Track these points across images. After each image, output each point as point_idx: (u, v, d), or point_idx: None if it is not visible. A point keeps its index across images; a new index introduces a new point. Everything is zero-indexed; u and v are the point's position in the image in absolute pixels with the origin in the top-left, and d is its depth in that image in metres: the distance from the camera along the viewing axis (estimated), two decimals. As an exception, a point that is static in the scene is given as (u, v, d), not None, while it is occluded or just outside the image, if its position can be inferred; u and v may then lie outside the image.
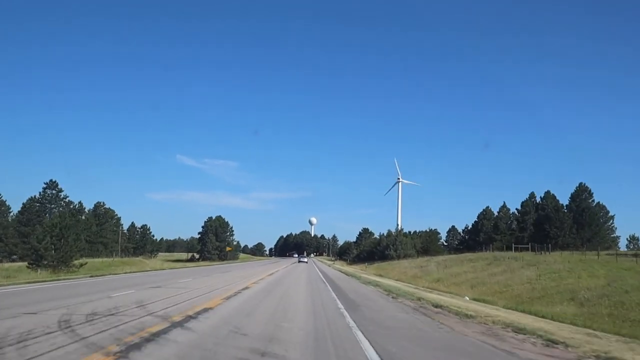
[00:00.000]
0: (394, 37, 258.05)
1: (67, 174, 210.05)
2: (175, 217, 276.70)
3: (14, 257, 66.26)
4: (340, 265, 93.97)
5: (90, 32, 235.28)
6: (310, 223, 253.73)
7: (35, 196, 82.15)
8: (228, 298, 14.74)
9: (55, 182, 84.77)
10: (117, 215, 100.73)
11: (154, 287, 18.87)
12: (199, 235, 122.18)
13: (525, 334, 9.96)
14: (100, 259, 53.70)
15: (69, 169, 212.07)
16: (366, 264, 79.13)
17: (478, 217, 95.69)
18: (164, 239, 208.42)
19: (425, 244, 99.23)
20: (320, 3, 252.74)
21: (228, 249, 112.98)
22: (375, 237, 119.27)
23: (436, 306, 16.01)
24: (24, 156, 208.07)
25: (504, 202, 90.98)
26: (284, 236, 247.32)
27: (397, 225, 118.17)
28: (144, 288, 18.15)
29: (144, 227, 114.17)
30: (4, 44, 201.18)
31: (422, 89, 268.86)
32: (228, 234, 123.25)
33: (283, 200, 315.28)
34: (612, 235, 77.79)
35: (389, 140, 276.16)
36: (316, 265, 79.78)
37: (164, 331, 8.00)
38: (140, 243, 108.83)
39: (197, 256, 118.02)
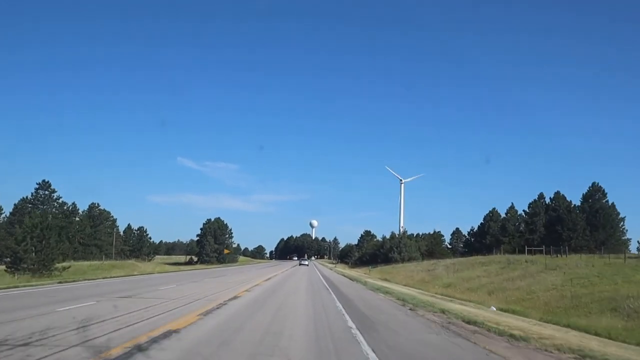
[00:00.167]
0: (394, 38, 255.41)
1: (67, 176, 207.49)
2: (175, 219, 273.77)
3: (7, 259, 63.27)
4: (342, 268, 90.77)
5: (91, 34, 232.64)
6: (311, 226, 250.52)
7: (27, 197, 79.13)
8: (207, 313, 11.61)
9: (48, 182, 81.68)
10: (112, 216, 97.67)
11: (124, 296, 15.74)
12: (198, 238, 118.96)
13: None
14: (88, 262, 50.64)
15: (69, 171, 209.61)
16: (370, 267, 75.88)
17: (484, 218, 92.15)
18: (163, 241, 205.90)
19: (430, 246, 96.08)
20: (321, 5, 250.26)
21: (226, 251, 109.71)
22: (378, 240, 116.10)
23: (468, 322, 12.88)
24: (22, 157, 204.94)
25: (512, 203, 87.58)
26: (285, 239, 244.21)
27: (400, 227, 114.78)
28: (111, 298, 15.03)
29: (140, 229, 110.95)
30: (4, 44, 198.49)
31: (423, 89, 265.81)
32: (227, 236, 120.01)
33: (284, 203, 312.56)
34: (622, 238, 74.44)
35: (390, 142, 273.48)
36: (317, 268, 76.56)
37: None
38: (137, 245, 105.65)
39: (195, 259, 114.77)
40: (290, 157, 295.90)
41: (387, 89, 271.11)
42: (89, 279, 26.67)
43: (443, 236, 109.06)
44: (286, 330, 9.34)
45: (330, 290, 22.93)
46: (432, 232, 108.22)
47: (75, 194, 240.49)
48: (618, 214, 73.75)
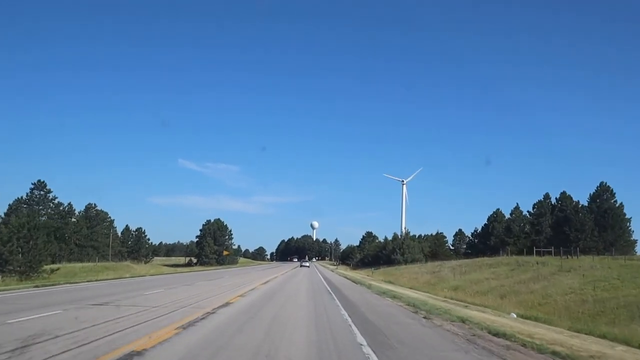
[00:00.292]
0: (394, 39, 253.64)
1: (67, 178, 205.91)
2: (176, 221, 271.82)
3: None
4: (343, 270, 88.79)
5: (92, 34, 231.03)
6: (312, 227, 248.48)
7: (22, 197, 77.21)
8: (188, 325, 9.75)
9: (43, 182, 79.77)
10: (110, 217, 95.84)
11: (99, 303, 13.85)
12: (197, 239, 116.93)
13: None
14: (81, 264, 48.77)
15: (69, 172, 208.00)
16: (372, 269, 73.96)
17: (488, 219, 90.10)
18: (164, 243, 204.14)
19: (433, 248, 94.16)
20: (322, 5, 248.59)
21: (225, 253, 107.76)
22: (380, 241, 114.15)
23: (496, 334, 11.01)
24: (21, 158, 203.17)
25: (517, 204, 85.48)
26: (285, 240, 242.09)
27: (402, 228, 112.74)
28: (83, 305, 13.16)
29: (138, 230, 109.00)
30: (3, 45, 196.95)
31: (423, 90, 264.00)
32: (227, 237, 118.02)
33: (285, 204, 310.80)
34: (629, 239, 72.46)
35: (390, 142, 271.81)
36: (318, 270, 74.59)
37: None
38: (135, 247, 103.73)
39: (194, 260, 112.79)
40: (291, 158, 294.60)
41: (387, 90, 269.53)
42: (72, 283, 24.73)
43: (446, 237, 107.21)
44: (281, 351, 7.46)
45: (334, 295, 21.05)
46: (434, 234, 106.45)
47: (76, 195, 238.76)
48: (624, 214, 71.89)
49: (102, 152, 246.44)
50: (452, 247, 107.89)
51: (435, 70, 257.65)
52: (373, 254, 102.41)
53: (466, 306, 19.39)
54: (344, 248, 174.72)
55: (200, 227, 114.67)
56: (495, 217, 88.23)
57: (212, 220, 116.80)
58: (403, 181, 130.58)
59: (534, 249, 55.76)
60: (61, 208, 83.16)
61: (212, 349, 7.30)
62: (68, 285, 22.95)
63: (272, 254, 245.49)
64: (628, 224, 71.35)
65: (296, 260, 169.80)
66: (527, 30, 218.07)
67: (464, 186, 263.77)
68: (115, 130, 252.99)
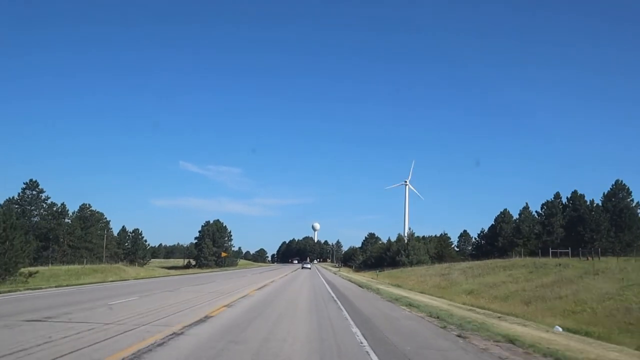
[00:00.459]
0: (395, 40, 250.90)
1: (67, 179, 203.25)
2: (177, 223, 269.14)
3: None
4: (346, 272, 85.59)
5: (92, 38, 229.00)
6: (314, 229, 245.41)
7: (13, 197, 74.19)
8: (134, 358, 6.65)
9: (35, 182, 76.70)
10: (105, 218, 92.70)
11: (41, 318, 10.64)
12: (196, 241, 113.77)
13: None
14: (66, 267, 45.63)
15: (70, 174, 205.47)
16: (377, 271, 70.77)
17: (495, 220, 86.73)
18: (163, 245, 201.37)
19: (439, 249, 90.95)
20: (318, 8, 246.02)
21: (223, 254, 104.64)
22: (383, 243, 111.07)
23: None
24: (21, 161, 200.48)
25: (527, 203, 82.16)
26: (287, 242, 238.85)
27: (405, 229, 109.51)
28: (16, 321, 10.04)
29: (135, 231, 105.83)
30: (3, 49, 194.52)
31: (423, 90, 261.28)
32: (226, 239, 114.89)
33: (286, 207, 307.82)
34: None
35: (391, 143, 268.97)
36: (320, 272, 71.32)
37: None
38: (132, 249, 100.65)
39: (193, 262, 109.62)
40: (292, 160, 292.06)
41: (388, 90, 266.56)
42: (33, 289, 21.49)
43: (451, 239, 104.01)
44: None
45: (340, 304, 17.88)
46: (438, 235, 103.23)
47: (76, 197, 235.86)
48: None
49: (103, 155, 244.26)
50: (457, 249, 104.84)
51: (434, 70, 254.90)
52: (376, 256, 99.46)
53: (499, 317, 16.23)
54: (345, 250, 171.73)
55: (199, 229, 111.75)
56: (503, 217, 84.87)
57: (211, 222, 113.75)
58: (405, 182, 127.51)
59: (550, 250, 52.42)
60: (54, 209, 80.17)
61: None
62: (28, 292, 19.70)
63: (273, 256, 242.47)
64: (640, 224, 68.19)
65: (297, 262, 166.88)
66: (526, 31, 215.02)
67: (464, 187, 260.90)
68: (116, 132, 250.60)
